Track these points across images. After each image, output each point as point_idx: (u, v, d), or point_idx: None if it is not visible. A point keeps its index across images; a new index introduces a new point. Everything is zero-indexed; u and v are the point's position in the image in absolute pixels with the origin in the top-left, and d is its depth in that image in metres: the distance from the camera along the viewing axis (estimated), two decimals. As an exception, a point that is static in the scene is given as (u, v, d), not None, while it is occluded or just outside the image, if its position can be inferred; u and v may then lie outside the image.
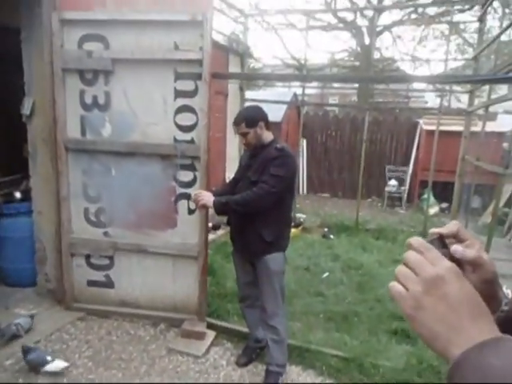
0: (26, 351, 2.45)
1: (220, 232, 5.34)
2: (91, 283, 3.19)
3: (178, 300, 3.10)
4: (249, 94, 7.09)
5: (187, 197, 2.93)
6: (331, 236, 5.79)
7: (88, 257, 3.15)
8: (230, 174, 6.19)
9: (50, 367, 2.41)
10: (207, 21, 2.70)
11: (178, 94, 2.85)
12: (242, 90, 6.62)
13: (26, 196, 3.53)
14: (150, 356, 2.72)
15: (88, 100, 2.96)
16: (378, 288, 3.84)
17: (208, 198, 2.38)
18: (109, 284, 3.17)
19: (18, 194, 3.63)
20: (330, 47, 25.30)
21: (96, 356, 2.68)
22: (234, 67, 6.06)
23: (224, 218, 2.71)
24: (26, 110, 3.19)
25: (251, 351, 2.75)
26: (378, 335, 3.04)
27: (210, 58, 2.75)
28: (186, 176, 2.91)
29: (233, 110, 6.29)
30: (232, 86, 5.93)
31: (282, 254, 2.46)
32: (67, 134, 3.01)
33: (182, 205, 2.96)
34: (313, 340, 2.90)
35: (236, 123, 2.43)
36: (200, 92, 2.80)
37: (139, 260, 3.09)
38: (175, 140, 2.89)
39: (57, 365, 2.44)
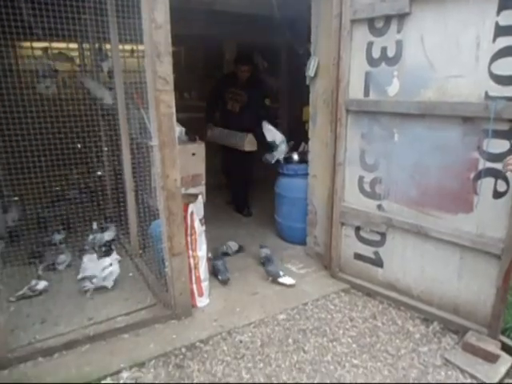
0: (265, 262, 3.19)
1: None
2: (358, 256, 2.98)
3: (462, 301, 2.47)
4: None
5: (495, 174, 2.18)
6: None
7: (358, 229, 2.92)
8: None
9: (282, 280, 3.03)
10: None
11: (501, 31, 2.05)
12: None
13: (303, 158, 3.61)
14: (422, 361, 2.27)
15: (375, 53, 2.58)
16: None
17: None
18: (377, 262, 2.87)
19: (295, 156, 3.76)
20: None
21: (360, 339, 2.46)
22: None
23: None
24: (310, 71, 3.15)
25: None
26: None
27: None
28: (498, 146, 2.14)
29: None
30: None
31: None
32: (349, 95, 2.76)
33: (486, 184, 2.23)
34: None
35: None
36: (540, 23, 1.92)
37: (416, 243, 2.61)
38: (487, 96, 2.14)
39: (288, 279, 3.03)
